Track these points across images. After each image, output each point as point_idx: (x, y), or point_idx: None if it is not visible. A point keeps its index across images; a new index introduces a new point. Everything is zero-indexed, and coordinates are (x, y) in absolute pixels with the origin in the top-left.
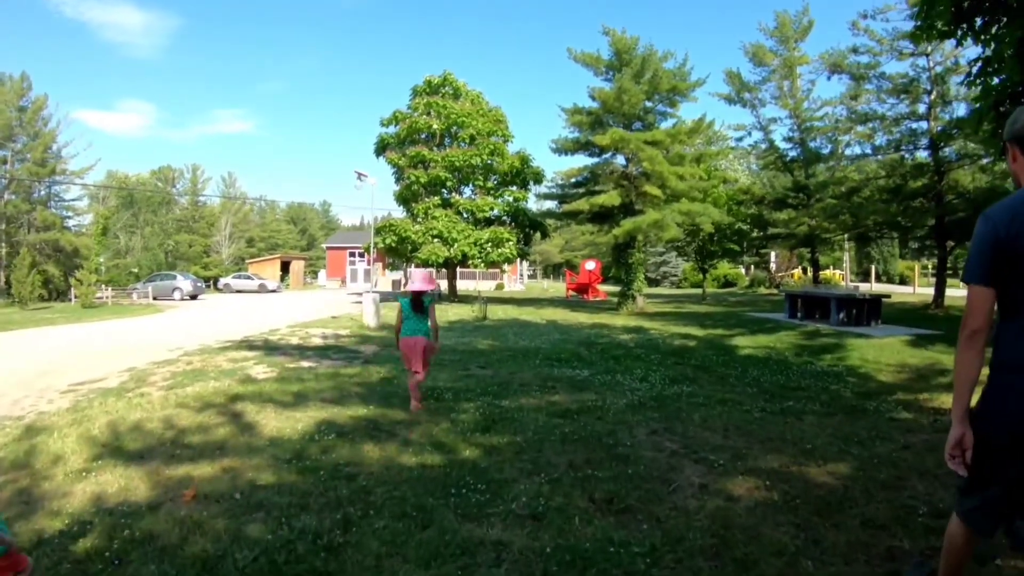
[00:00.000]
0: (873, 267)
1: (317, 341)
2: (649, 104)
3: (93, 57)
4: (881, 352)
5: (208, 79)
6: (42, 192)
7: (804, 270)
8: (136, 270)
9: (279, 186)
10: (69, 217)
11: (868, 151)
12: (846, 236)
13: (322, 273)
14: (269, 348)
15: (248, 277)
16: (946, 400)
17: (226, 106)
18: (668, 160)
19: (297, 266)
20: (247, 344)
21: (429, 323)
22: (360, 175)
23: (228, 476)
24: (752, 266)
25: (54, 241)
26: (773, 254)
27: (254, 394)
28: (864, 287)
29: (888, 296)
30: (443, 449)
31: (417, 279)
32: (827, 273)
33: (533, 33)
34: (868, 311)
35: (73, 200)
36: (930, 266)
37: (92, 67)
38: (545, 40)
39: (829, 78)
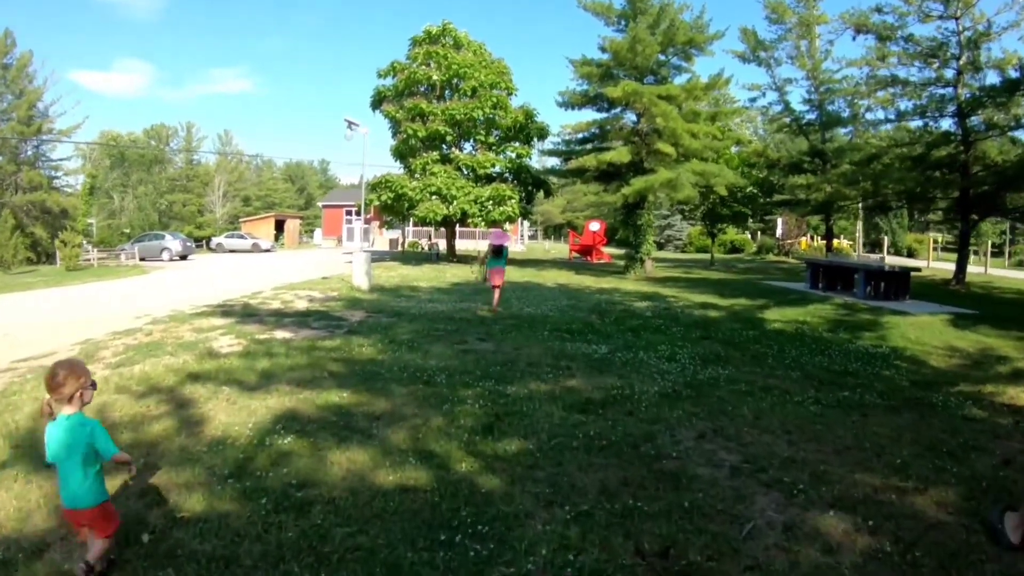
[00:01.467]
0: (884, 239)
1: (300, 305)
2: (663, 57)
3: (90, 17)
4: (923, 332)
5: (206, 37)
6: (28, 152)
7: (811, 238)
8: (128, 230)
9: (278, 145)
10: (57, 177)
11: (891, 116)
12: (860, 205)
13: (318, 232)
14: (245, 315)
15: (241, 236)
16: (1015, 394)
17: (225, 65)
18: (682, 117)
19: (292, 225)
20: (223, 310)
21: (504, 261)
22: (351, 124)
23: (143, 502)
24: (758, 232)
25: (41, 202)
26: (779, 221)
27: (210, 374)
28: (875, 258)
29: (918, 270)
30: (431, 461)
31: (495, 237)
32: (835, 243)
33: None
34: (897, 285)
35: (61, 159)
36: (940, 239)
37: (89, 27)
38: None
39: (855, 37)
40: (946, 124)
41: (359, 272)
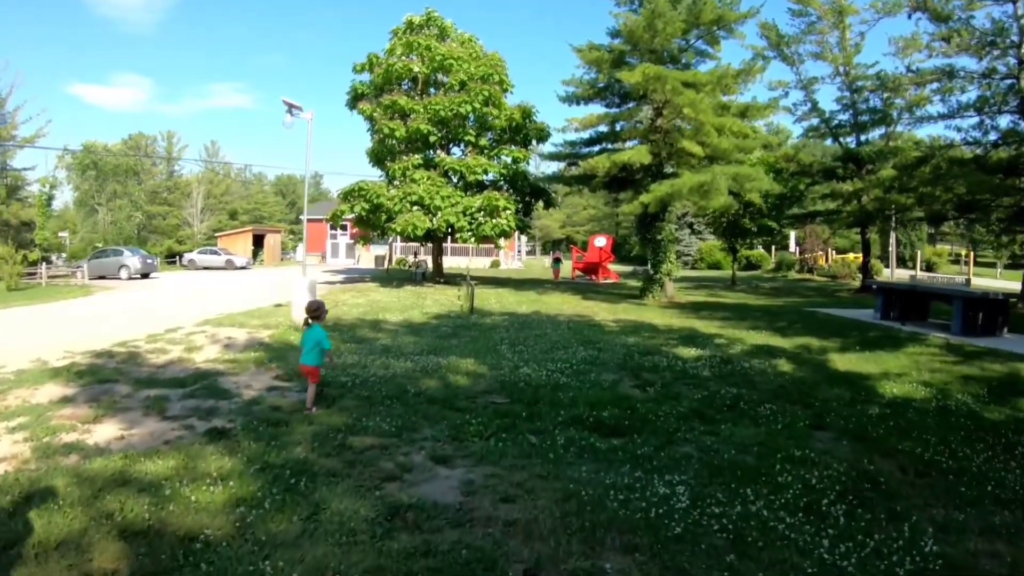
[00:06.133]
0: (918, 253)
1: (201, 357)
2: (683, 43)
3: (90, 31)
4: None
5: (205, 53)
6: None
7: (827, 253)
8: (100, 245)
9: (272, 159)
10: (20, 187)
11: (941, 111)
12: (910, 216)
13: (300, 247)
14: (104, 378)
15: (215, 252)
16: None
17: (223, 80)
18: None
19: (273, 240)
20: (90, 365)
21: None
22: (291, 107)
23: None
24: (773, 247)
25: None
26: (792, 235)
27: None
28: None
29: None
30: None
31: (555, 253)
32: (850, 257)
33: None
34: (995, 315)
35: (25, 169)
36: (963, 254)
37: (89, 41)
38: None
39: (910, 16)
40: (1004, 122)
41: (299, 305)
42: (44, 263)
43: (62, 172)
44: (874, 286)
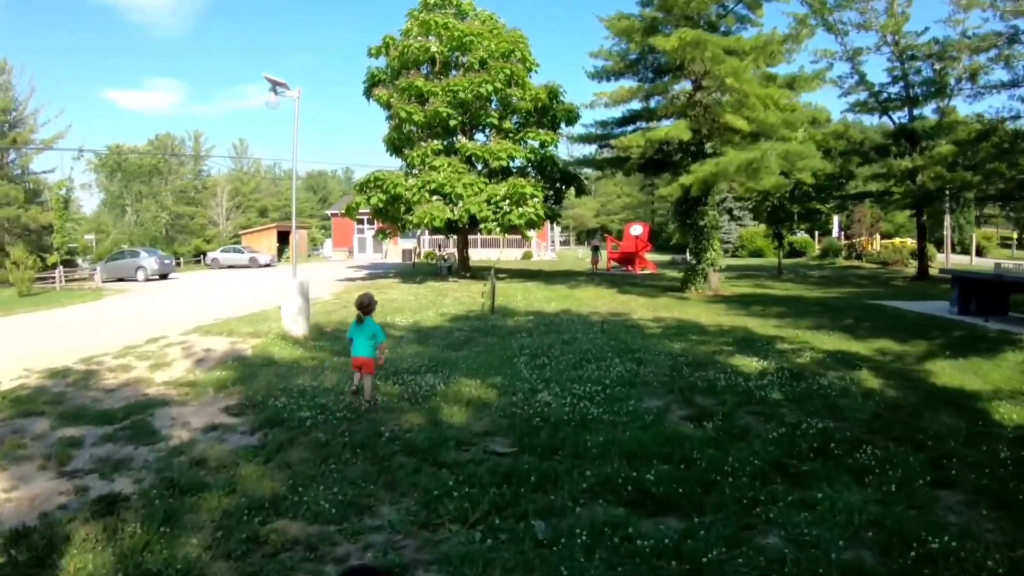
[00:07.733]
0: (972, 236)
1: (163, 378)
2: (721, 9)
3: (121, 38)
4: None
5: (234, 54)
6: (10, 163)
7: (870, 238)
8: (126, 246)
9: (302, 155)
10: (40, 192)
11: (1003, 79)
12: (950, 196)
13: (328, 243)
14: (30, 410)
15: (238, 251)
16: None
17: (254, 81)
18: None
19: (299, 236)
20: (35, 386)
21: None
22: (275, 85)
23: None
24: (816, 233)
25: (15, 218)
26: (836, 219)
27: None
28: (960, 261)
29: None
30: None
31: (595, 239)
32: (897, 242)
33: None
34: None
35: (44, 172)
36: (1015, 237)
37: (120, 47)
38: None
39: None
40: None
41: (291, 310)
42: (63, 266)
43: (91, 175)
44: (950, 275)
